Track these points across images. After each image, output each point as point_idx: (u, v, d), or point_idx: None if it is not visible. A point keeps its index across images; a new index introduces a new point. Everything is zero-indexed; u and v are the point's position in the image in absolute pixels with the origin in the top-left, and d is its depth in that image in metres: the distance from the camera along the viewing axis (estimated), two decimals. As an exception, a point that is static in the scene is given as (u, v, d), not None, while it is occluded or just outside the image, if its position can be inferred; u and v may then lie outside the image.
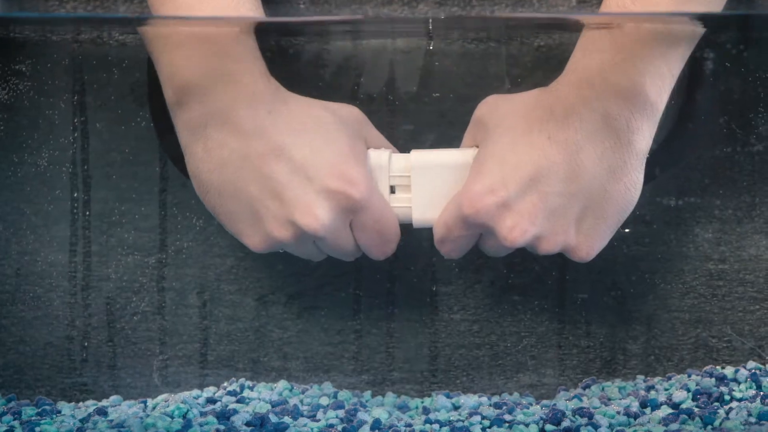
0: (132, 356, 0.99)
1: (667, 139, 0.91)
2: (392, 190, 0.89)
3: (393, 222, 0.88)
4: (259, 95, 0.85)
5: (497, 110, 0.87)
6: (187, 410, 0.90)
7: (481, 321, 0.99)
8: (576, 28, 0.86)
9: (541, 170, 0.83)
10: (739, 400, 0.92)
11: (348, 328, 0.98)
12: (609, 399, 0.94)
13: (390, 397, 0.97)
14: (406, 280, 0.98)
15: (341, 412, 0.90)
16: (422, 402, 0.96)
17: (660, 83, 0.83)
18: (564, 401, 0.93)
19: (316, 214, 0.84)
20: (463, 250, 0.90)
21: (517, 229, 0.84)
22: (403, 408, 0.94)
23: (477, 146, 0.88)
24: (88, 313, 0.99)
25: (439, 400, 0.94)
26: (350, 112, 0.88)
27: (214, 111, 0.84)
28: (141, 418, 0.88)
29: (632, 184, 0.85)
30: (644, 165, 0.86)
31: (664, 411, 0.89)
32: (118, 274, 0.98)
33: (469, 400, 0.94)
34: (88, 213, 0.98)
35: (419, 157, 0.88)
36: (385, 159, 0.88)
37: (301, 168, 0.84)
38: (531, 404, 0.94)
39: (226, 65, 0.84)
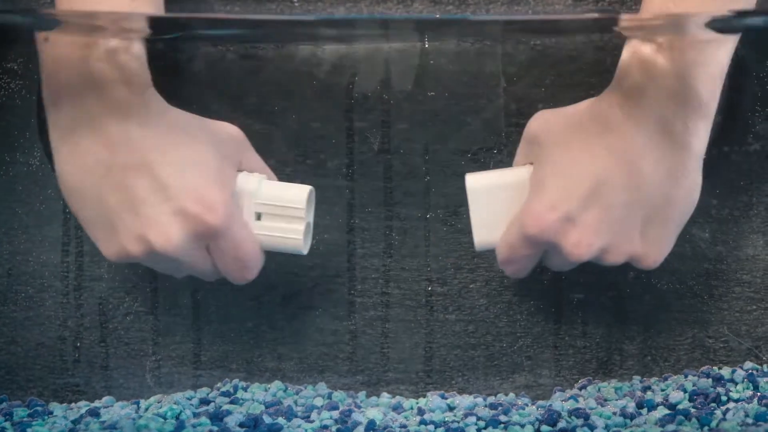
0: (125, 357, 0.98)
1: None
2: (258, 216, 0.88)
3: (252, 249, 0.87)
4: (133, 107, 0.83)
5: (550, 125, 0.86)
6: (180, 411, 0.89)
7: (476, 321, 0.98)
8: (572, 28, 0.86)
9: (601, 182, 0.83)
10: (736, 400, 0.91)
11: (343, 329, 0.98)
12: (605, 400, 0.93)
13: (385, 397, 0.97)
14: (401, 280, 0.97)
15: (335, 413, 0.90)
16: (417, 403, 0.95)
17: (711, 83, 0.82)
18: (560, 402, 0.92)
19: (169, 235, 0.83)
20: (528, 269, 0.89)
21: (582, 243, 0.83)
22: (398, 409, 0.93)
23: (531, 164, 0.88)
24: (80, 313, 0.98)
25: (434, 400, 0.94)
26: (228, 132, 0.87)
27: (85, 117, 0.83)
28: (133, 419, 0.87)
29: (692, 186, 0.85)
30: (702, 166, 0.85)
31: (661, 412, 0.89)
32: (110, 274, 0.98)
33: (464, 400, 0.94)
34: (80, 212, 0.97)
35: (474, 180, 0.88)
36: (254, 184, 0.87)
37: (162, 186, 0.82)
38: (527, 405, 0.93)
39: (103, 72, 0.82)
